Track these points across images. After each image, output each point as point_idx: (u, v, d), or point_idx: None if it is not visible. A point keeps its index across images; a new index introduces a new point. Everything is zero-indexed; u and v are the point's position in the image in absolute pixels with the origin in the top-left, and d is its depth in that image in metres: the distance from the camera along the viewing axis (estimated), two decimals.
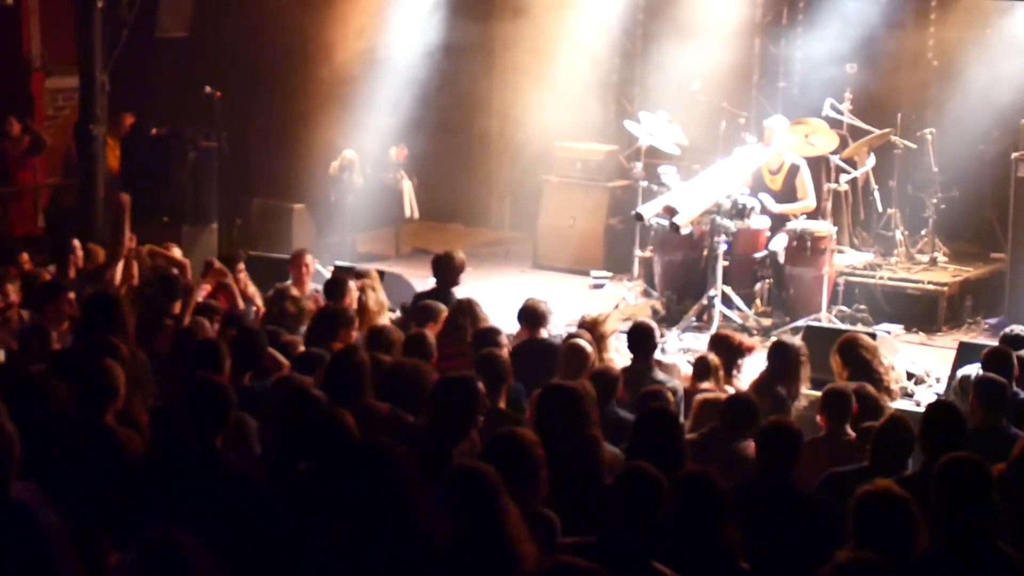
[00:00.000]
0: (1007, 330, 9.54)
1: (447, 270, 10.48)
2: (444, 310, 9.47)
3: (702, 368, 8.92)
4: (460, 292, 10.31)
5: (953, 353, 10.59)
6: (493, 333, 8.64)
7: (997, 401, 7.58)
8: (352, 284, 10.00)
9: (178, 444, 6.02)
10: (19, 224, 14.57)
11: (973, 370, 8.87)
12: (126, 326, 8.29)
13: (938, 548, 5.26)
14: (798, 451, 6.33)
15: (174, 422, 6.37)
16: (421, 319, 9.47)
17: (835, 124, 13.65)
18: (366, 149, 15.67)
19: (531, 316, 9.35)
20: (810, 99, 14.21)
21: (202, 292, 10.17)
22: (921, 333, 12.78)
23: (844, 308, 12.78)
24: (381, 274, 11.11)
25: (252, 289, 11.05)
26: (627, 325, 9.40)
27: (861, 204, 14.19)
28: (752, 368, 9.26)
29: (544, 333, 9.33)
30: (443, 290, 10.32)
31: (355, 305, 9.81)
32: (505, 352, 8.02)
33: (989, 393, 7.60)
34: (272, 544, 5.56)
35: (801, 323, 12.06)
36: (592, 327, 9.13)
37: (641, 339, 8.83)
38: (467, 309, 9.24)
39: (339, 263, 12.87)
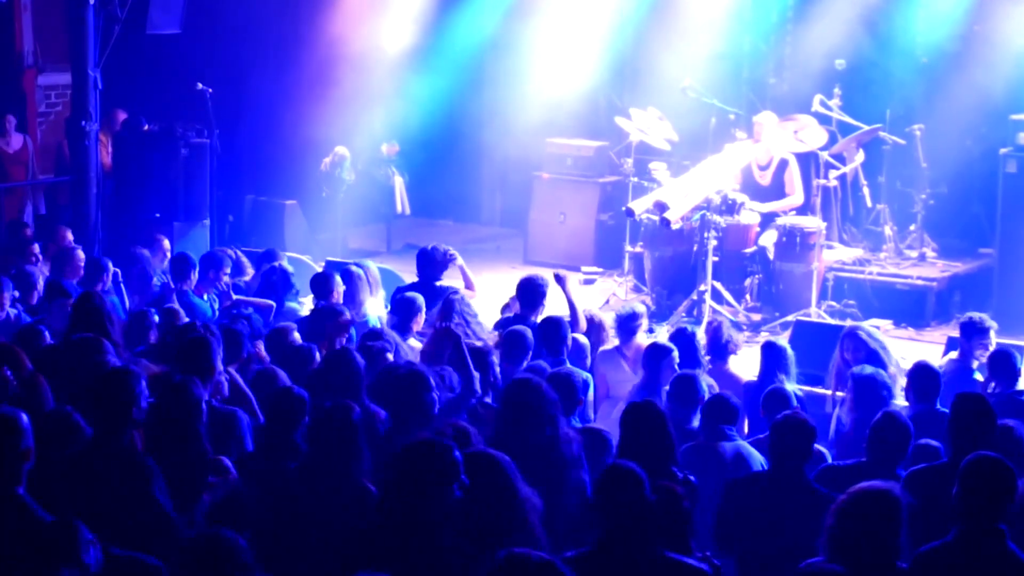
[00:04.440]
0: (967, 319, 9.29)
1: (429, 264, 10.50)
2: (423, 303, 9.50)
3: None
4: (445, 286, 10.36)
5: (942, 348, 10.65)
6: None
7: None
8: (339, 280, 10.00)
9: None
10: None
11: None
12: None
13: (950, 542, 5.35)
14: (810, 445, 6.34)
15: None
16: (402, 313, 9.50)
17: (824, 120, 13.71)
18: (357, 145, 15.71)
19: (528, 294, 9.54)
20: (799, 95, 14.28)
21: None
22: (910, 328, 12.84)
23: (833, 303, 12.83)
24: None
25: None
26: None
27: (850, 200, 14.24)
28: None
29: (542, 313, 9.44)
30: (426, 284, 10.35)
31: (342, 300, 9.84)
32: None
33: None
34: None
35: (791, 318, 12.12)
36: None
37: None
38: (453, 306, 9.26)
39: (330, 259, 12.92)
